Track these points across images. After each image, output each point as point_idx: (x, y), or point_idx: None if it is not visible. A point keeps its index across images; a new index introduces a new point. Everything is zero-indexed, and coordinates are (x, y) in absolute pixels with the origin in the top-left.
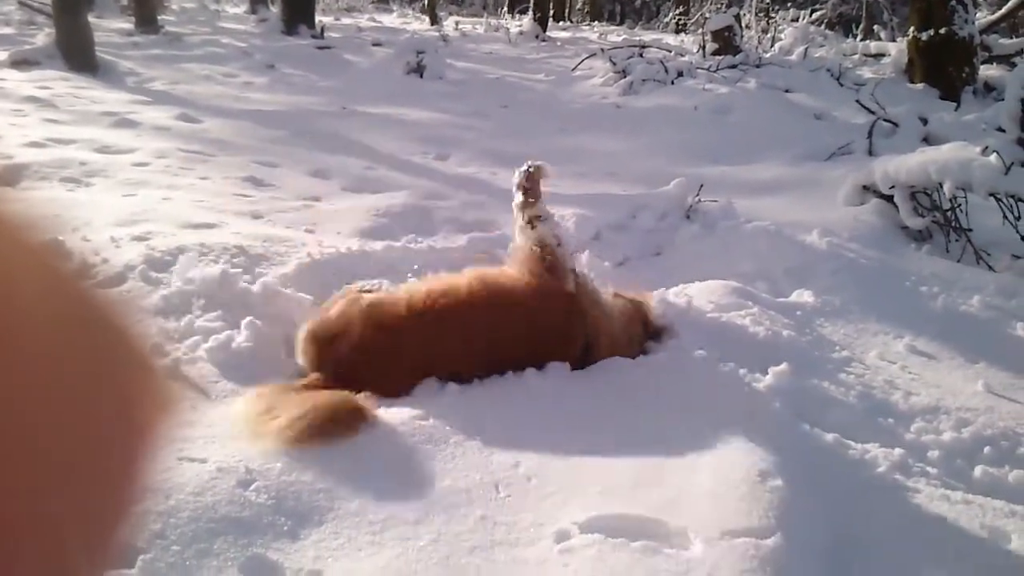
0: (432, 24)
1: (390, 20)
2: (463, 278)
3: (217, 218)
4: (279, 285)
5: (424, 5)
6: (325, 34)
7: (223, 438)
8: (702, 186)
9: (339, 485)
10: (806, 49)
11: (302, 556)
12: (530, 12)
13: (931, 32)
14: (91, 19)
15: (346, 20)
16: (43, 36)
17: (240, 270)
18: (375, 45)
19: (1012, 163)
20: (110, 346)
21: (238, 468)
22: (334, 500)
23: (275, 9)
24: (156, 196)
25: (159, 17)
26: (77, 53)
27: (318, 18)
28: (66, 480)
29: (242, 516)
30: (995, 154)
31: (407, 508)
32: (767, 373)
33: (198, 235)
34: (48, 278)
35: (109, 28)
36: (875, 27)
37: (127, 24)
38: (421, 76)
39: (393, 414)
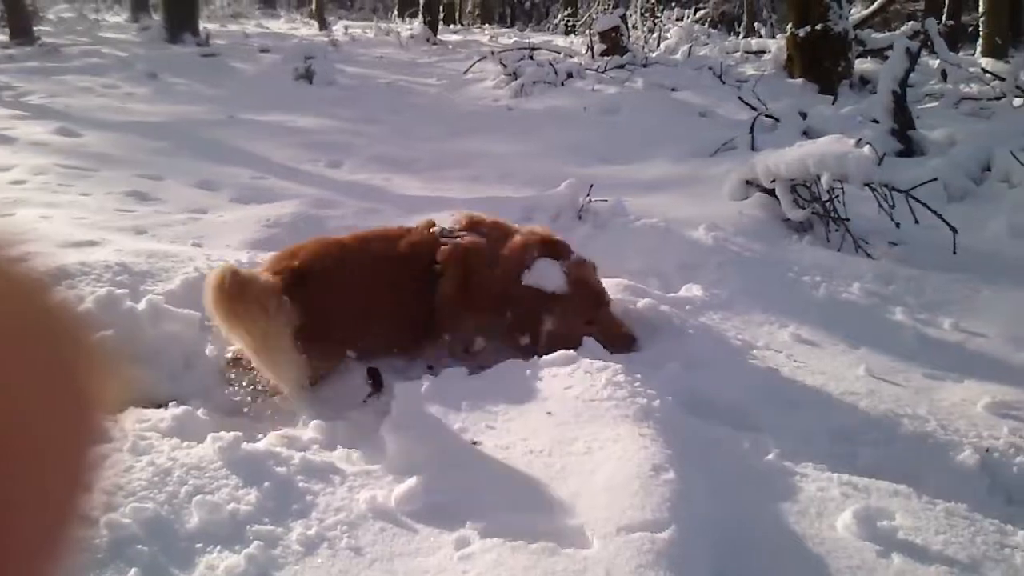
0: (321, 29)
1: (278, 26)
2: None
3: (99, 235)
4: (165, 302)
5: (312, 10)
6: (210, 41)
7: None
8: (592, 186)
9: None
10: (690, 48)
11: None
12: (420, 15)
13: (808, 28)
14: None
15: (232, 26)
16: None
17: (124, 289)
18: (262, 51)
19: (884, 154)
20: (56, 346)
21: (172, 468)
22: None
23: (158, 17)
24: (34, 215)
25: (35, 28)
26: None
27: (203, 25)
28: (19, 476)
29: (174, 516)
30: (868, 146)
31: (303, 525)
32: (659, 367)
33: (79, 254)
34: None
35: None
36: (756, 24)
37: (0, 37)
38: (310, 82)
39: (286, 433)
